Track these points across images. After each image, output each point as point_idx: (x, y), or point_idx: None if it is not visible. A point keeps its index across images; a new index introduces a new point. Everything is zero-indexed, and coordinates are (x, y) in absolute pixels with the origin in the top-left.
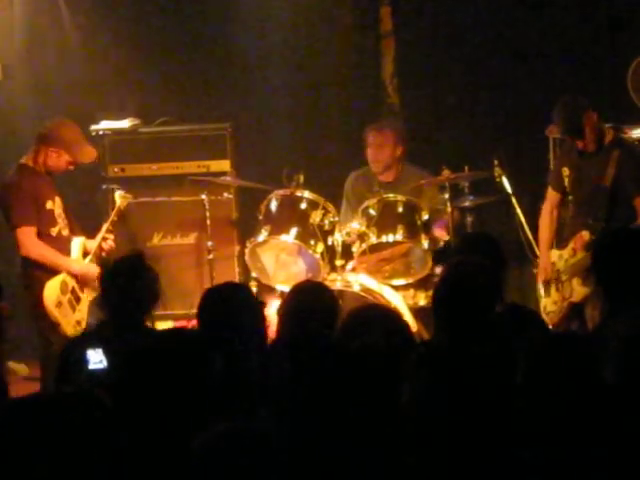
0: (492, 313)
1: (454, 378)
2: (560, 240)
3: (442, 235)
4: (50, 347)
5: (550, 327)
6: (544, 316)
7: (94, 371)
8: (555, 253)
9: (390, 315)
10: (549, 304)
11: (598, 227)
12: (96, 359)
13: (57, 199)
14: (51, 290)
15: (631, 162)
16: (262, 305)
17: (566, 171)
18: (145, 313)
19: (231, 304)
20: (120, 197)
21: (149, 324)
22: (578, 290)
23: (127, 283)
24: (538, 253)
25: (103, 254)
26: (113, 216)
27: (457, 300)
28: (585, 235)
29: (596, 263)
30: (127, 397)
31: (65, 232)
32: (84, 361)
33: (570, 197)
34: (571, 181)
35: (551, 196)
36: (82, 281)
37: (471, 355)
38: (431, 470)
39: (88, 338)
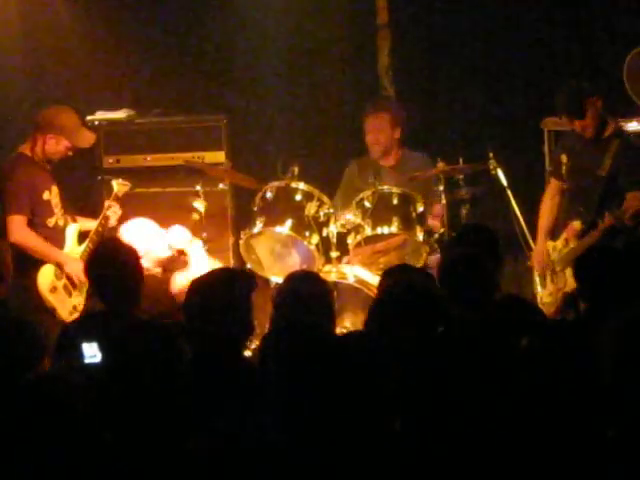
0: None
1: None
2: (554, 232)
3: (435, 226)
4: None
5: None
6: (540, 307)
7: (89, 365)
8: (550, 244)
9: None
10: (545, 296)
11: (588, 216)
12: (91, 353)
13: (54, 188)
14: (45, 275)
15: (628, 155)
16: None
17: (564, 158)
18: (132, 301)
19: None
20: (118, 184)
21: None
22: (571, 280)
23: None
24: (533, 246)
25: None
26: (110, 202)
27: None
28: (576, 225)
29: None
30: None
31: (62, 222)
32: (79, 354)
33: (566, 186)
34: (568, 169)
35: (552, 184)
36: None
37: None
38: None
39: (82, 325)
